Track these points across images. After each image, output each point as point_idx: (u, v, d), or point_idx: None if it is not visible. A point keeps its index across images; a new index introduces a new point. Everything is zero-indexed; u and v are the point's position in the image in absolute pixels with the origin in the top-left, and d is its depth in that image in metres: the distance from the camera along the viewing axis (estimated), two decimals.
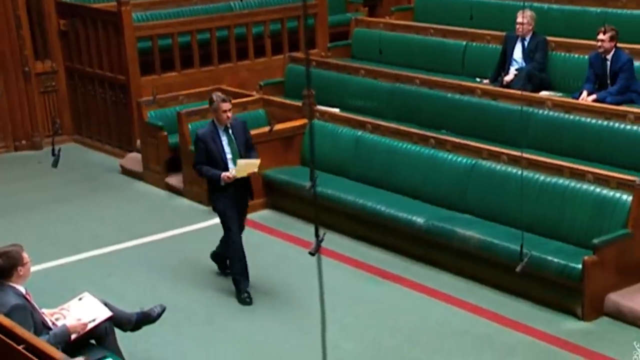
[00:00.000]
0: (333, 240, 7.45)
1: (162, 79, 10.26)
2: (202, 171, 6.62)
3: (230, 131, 6.61)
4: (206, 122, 9.00)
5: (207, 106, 9.32)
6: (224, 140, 6.59)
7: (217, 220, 8.42)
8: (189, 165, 8.95)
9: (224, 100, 6.57)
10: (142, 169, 9.71)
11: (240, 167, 6.48)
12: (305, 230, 7.73)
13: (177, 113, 9.10)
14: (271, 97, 9.56)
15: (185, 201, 8.99)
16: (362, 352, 5.86)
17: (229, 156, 6.58)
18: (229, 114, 6.59)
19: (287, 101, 9.41)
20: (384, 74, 9.45)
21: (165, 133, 9.31)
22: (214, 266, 7.39)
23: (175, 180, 9.29)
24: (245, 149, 6.66)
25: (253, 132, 8.69)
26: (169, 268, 7.42)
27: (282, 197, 8.44)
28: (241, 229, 6.78)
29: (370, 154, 8.10)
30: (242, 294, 6.62)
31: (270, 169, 8.54)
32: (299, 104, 8.88)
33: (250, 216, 8.47)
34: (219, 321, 6.44)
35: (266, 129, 8.65)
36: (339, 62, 10.35)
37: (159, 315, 5.61)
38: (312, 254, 5.61)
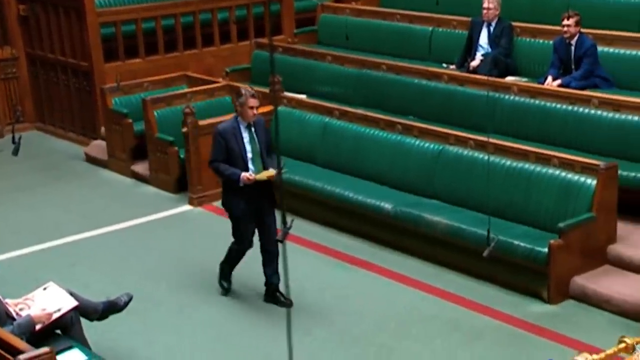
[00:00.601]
0: (301, 227, 7.42)
1: (126, 65, 10.13)
2: (220, 169, 6.07)
3: (252, 129, 6.10)
4: (172, 109, 8.99)
5: (173, 92, 9.33)
6: (246, 138, 6.08)
7: (185, 207, 8.43)
8: (155, 153, 8.89)
9: (253, 96, 6.06)
10: (106, 156, 9.59)
11: (262, 172, 6.04)
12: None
13: (142, 100, 9.01)
14: (237, 84, 9.48)
15: (151, 189, 8.91)
16: (331, 337, 5.87)
17: (249, 155, 6.06)
18: (256, 111, 6.08)
19: (254, 88, 9.32)
20: (351, 60, 9.43)
21: (130, 120, 9.20)
22: (180, 254, 7.32)
23: (141, 167, 9.19)
24: (267, 150, 6.16)
25: (219, 118, 8.67)
26: (136, 256, 7.34)
27: None
28: (268, 240, 6.15)
29: (337, 141, 8.09)
30: (223, 284, 6.48)
31: None
32: (266, 90, 8.83)
33: (217, 203, 8.42)
34: (187, 310, 6.39)
35: (232, 115, 8.56)
36: (306, 48, 10.31)
37: (126, 304, 5.55)
38: (280, 241, 5.62)
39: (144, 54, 10.25)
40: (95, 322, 5.48)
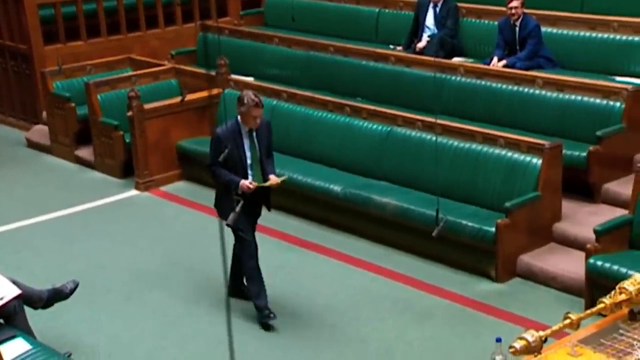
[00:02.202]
0: None
1: (68, 48, 9.89)
2: (218, 174, 5.62)
3: (254, 134, 5.64)
4: (117, 92, 8.82)
5: (117, 76, 9.15)
6: (246, 144, 5.62)
7: (131, 192, 8.30)
8: (99, 137, 8.72)
9: (256, 105, 5.51)
10: (49, 141, 9.38)
11: (271, 180, 5.67)
12: None
13: (85, 83, 8.82)
14: (183, 67, 9.35)
15: (97, 174, 8.75)
16: (283, 321, 5.84)
17: (249, 161, 5.64)
18: (259, 121, 5.60)
19: (200, 70, 9.23)
20: (298, 42, 9.38)
21: (73, 104, 9.00)
22: (128, 239, 7.21)
23: (85, 152, 9.01)
24: (266, 155, 5.73)
25: (165, 102, 8.55)
26: (82, 243, 7.20)
27: (197, 168, 8.30)
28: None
29: (286, 123, 8.04)
30: (264, 311, 5.75)
31: (184, 140, 8.41)
32: (212, 73, 8.71)
33: (164, 188, 8.36)
34: (136, 296, 6.30)
35: (178, 99, 8.47)
36: (252, 30, 10.21)
37: (72, 291, 5.43)
38: (229, 225, 5.56)
39: (85, 36, 10.02)
40: (40, 311, 5.36)
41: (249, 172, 5.63)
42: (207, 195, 7.93)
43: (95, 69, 9.35)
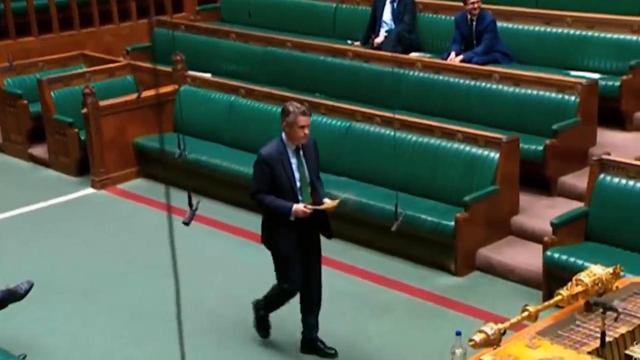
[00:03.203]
0: (210, 207, 7.32)
1: (18, 44, 9.71)
2: (266, 202, 5.00)
3: (301, 152, 5.07)
4: (71, 89, 8.67)
5: (71, 72, 8.99)
6: (294, 164, 5.03)
7: (87, 190, 8.16)
8: (53, 135, 8.56)
9: (304, 113, 4.96)
10: (1, 140, 9.19)
11: (327, 203, 5.06)
12: (181, 199, 7.48)
13: (38, 80, 8.66)
14: (139, 63, 9.23)
15: (51, 172, 8.59)
16: (244, 318, 5.79)
17: (298, 184, 5.04)
18: (307, 131, 5.00)
19: (156, 67, 9.11)
20: (256, 38, 9.33)
21: (25, 101, 8.84)
22: (84, 238, 7.09)
23: (39, 150, 8.85)
24: (316, 176, 5.16)
25: (121, 99, 8.43)
26: (36, 242, 7.07)
27: (154, 165, 8.20)
28: (314, 278, 5.22)
29: (244, 119, 8.00)
30: (264, 329, 5.50)
31: (141, 137, 8.30)
32: (169, 69, 8.62)
33: (121, 186, 8.23)
34: (92, 295, 6.20)
35: (134, 95, 8.35)
36: (209, 25, 10.13)
37: (27, 292, 5.32)
38: (186, 223, 5.47)
39: (37, 32, 9.83)
40: None
41: (299, 195, 5.01)
42: (165, 193, 7.87)
43: (47, 66, 9.19)
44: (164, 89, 8.48)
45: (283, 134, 5.04)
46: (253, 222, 7.23)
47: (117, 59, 9.41)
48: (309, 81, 8.57)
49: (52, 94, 8.55)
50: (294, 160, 5.03)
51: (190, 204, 5.40)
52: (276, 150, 5.02)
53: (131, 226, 7.33)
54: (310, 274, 5.16)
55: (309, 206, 4.93)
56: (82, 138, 8.28)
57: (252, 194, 5.12)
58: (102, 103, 8.12)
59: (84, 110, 8.06)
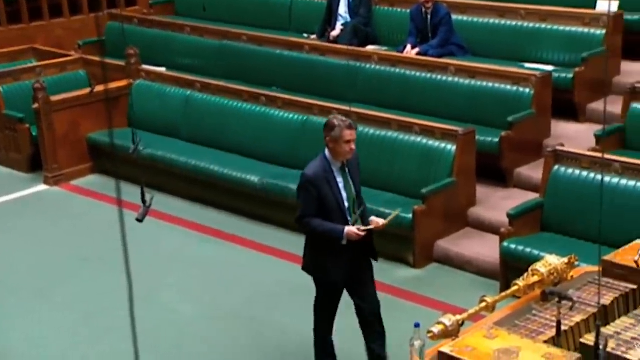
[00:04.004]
0: (167, 203, 7.26)
1: None
2: (313, 226, 4.61)
3: (346, 169, 4.67)
4: (21, 84, 8.48)
5: (21, 67, 8.80)
6: (341, 183, 4.62)
7: (40, 187, 8.00)
8: (3, 130, 8.37)
9: (350, 127, 4.56)
10: None
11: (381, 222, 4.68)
12: (136, 194, 7.43)
13: None
14: (91, 57, 9.08)
15: (1, 169, 8.44)
16: (200, 314, 5.76)
17: (346, 204, 4.63)
18: (353, 145, 4.61)
19: (109, 61, 8.97)
20: (211, 31, 9.24)
21: None
22: (37, 235, 6.95)
23: None
24: (360, 192, 4.77)
25: (73, 94, 8.28)
26: None
27: (109, 161, 8.08)
28: (369, 306, 4.82)
29: (200, 114, 7.93)
30: None
31: (94, 132, 8.18)
32: (122, 63, 8.49)
33: (75, 182, 8.10)
34: (47, 293, 6.08)
35: (87, 90, 8.21)
36: (163, 19, 10.00)
37: None
38: (139, 220, 5.37)
39: None
40: None
41: (348, 216, 4.64)
42: (122, 189, 7.75)
43: None
44: (117, 84, 8.36)
45: (327, 151, 4.62)
46: (211, 217, 7.20)
47: (69, 53, 9.25)
48: (265, 75, 8.52)
49: (1, 88, 8.37)
50: (340, 180, 4.63)
51: (143, 201, 5.30)
52: (322, 169, 4.60)
53: (86, 223, 7.21)
54: (367, 295, 4.78)
55: (362, 227, 4.57)
56: (34, 134, 8.12)
57: (297, 219, 4.68)
58: (54, 98, 7.98)
59: (35, 106, 7.91)
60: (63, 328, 5.65)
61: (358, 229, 4.54)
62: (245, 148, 7.52)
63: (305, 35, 9.17)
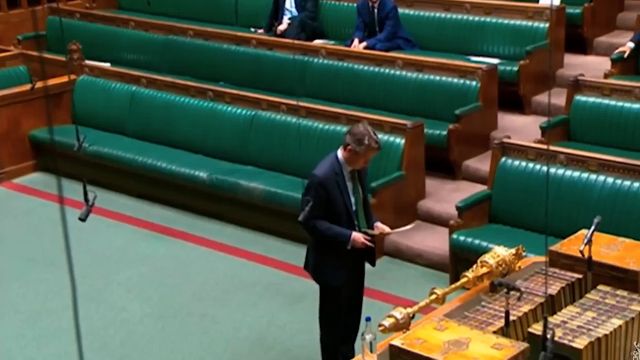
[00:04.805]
0: (114, 200, 7.16)
1: None
2: (321, 229, 4.51)
3: (356, 174, 4.62)
4: None
5: None
6: (349, 187, 4.58)
7: None
8: None
9: (378, 149, 4.53)
10: None
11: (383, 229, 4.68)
12: (81, 192, 7.33)
13: None
14: (32, 52, 8.86)
15: None
16: (150, 312, 5.68)
17: (354, 208, 4.60)
18: (368, 163, 4.64)
19: (51, 56, 8.78)
20: (156, 26, 9.13)
21: None
22: None
23: None
24: (367, 196, 4.75)
25: (13, 90, 8.08)
26: None
27: (52, 159, 7.91)
28: (357, 310, 4.81)
29: (147, 110, 7.83)
30: None
31: (37, 129, 8.00)
32: (64, 59, 8.31)
33: (17, 180, 7.92)
34: None
35: (28, 86, 8.02)
36: (106, 13, 9.84)
37: None
38: (81, 219, 5.24)
39: None
40: None
41: (355, 220, 4.60)
42: (66, 186, 7.59)
43: None
44: (59, 80, 8.17)
45: (340, 154, 4.55)
46: (159, 214, 7.11)
47: (8, 48, 9.02)
48: (212, 70, 8.45)
49: None
50: (349, 184, 4.58)
51: (86, 199, 5.16)
52: (332, 171, 4.52)
53: (30, 222, 7.05)
54: (353, 303, 4.77)
55: (369, 231, 4.57)
56: None
57: (303, 220, 4.49)
58: None
59: None
60: (8, 330, 5.52)
61: (365, 237, 4.53)
62: (193, 144, 7.44)
63: (252, 29, 9.11)
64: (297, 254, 6.38)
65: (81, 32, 9.18)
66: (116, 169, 7.47)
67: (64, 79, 8.09)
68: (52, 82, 8.17)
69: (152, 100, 7.82)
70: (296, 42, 7.92)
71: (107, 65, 8.65)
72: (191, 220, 7.00)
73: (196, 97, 7.59)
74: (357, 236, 4.52)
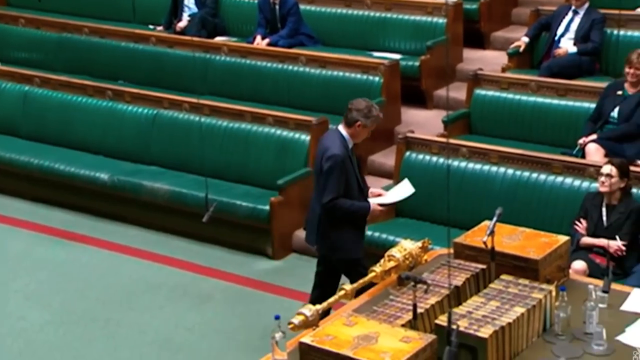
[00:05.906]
0: (9, 205, 6.96)
1: None
2: (347, 206, 4.59)
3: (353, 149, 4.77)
4: None
5: None
6: (353, 162, 4.71)
7: None
8: None
9: (381, 114, 4.75)
10: None
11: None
12: None
13: None
14: None
15: None
16: (51, 319, 5.49)
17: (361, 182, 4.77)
18: None
19: None
20: (48, 23, 8.90)
21: None
22: None
23: None
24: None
25: None
26: None
27: None
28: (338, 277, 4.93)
29: (41, 110, 7.62)
30: None
31: None
32: None
33: None
34: None
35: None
36: None
37: None
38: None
39: None
40: None
41: (364, 192, 4.76)
42: None
43: None
44: None
45: (344, 130, 4.64)
46: (58, 218, 6.88)
47: None
48: (110, 68, 8.25)
49: None
50: (353, 159, 4.71)
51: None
52: (344, 147, 4.60)
53: None
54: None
55: (380, 201, 4.71)
56: None
57: (328, 202, 4.54)
58: None
59: None
60: None
61: (381, 206, 4.74)
62: (92, 145, 7.26)
63: (151, 26, 8.93)
64: (203, 253, 6.31)
65: None
66: (9, 172, 7.23)
67: None
68: None
69: (46, 100, 7.60)
70: (197, 39, 7.80)
71: None
72: (92, 223, 6.80)
73: (94, 97, 7.41)
74: (375, 206, 4.70)
